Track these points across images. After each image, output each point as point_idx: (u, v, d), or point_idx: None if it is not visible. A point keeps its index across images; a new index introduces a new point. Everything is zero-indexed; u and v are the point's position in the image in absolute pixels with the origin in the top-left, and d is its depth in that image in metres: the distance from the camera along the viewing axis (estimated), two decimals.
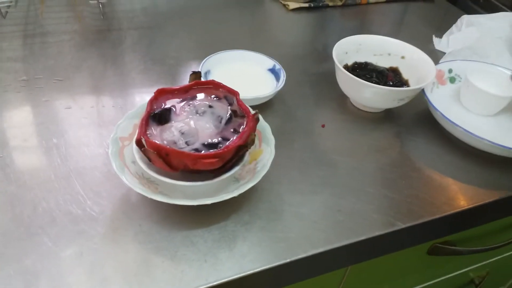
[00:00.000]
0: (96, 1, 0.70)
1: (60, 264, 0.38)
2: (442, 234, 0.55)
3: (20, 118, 0.53)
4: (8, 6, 0.68)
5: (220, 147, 0.41)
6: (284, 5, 0.86)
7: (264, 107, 0.58)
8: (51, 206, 0.42)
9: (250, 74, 0.62)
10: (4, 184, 0.44)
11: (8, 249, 0.39)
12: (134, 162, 0.44)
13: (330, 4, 0.87)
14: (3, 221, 0.41)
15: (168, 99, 0.45)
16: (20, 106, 0.54)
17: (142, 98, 0.58)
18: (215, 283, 0.38)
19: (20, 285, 0.36)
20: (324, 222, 0.45)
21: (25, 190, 0.44)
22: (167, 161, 0.40)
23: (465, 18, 0.76)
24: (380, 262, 0.58)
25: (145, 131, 0.41)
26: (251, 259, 0.41)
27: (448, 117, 0.54)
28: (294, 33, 0.79)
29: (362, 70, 0.61)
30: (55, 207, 0.42)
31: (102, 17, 0.73)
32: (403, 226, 0.46)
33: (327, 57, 0.72)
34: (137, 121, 0.47)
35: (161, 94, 0.45)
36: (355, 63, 0.62)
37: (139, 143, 0.42)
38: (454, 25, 0.78)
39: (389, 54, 0.63)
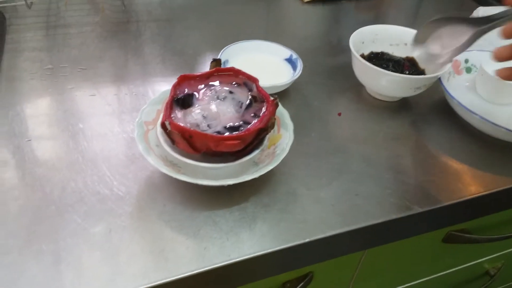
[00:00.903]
0: None
1: (90, 240, 0.40)
2: (458, 220, 0.56)
3: (47, 105, 0.55)
4: None
5: (242, 130, 0.43)
6: None
7: (281, 96, 0.59)
8: (80, 186, 0.44)
9: (267, 63, 0.64)
10: (33, 165, 0.46)
11: (40, 226, 0.41)
12: (158, 145, 0.45)
13: None
14: (34, 200, 0.43)
15: (191, 85, 0.47)
16: (46, 94, 0.56)
17: (162, 86, 0.60)
18: (237, 259, 0.40)
19: (51, 260, 0.38)
20: (341, 206, 0.46)
21: (54, 172, 0.46)
22: (190, 142, 0.42)
23: (481, 10, 0.77)
24: (396, 249, 0.58)
25: (170, 114, 0.43)
26: (271, 238, 0.42)
27: (464, 105, 0.55)
28: (309, 25, 0.80)
29: (378, 59, 0.62)
30: (83, 187, 0.44)
31: (124, 8, 0.75)
32: (420, 210, 0.47)
33: (342, 49, 0.72)
34: (160, 107, 0.49)
35: (184, 80, 0.46)
36: (371, 52, 0.63)
37: (163, 126, 0.43)
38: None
39: (406, 44, 0.63)
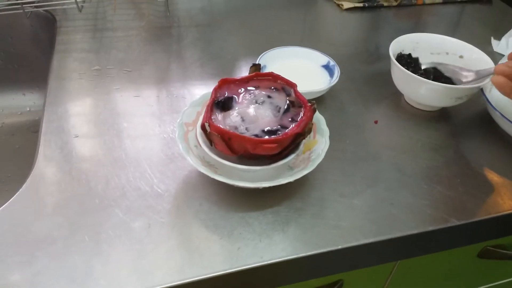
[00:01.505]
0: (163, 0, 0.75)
1: (130, 234, 0.41)
2: (495, 235, 0.54)
3: (94, 103, 0.57)
4: (84, 1, 0.74)
5: (279, 134, 0.44)
6: (338, 5, 0.87)
7: (317, 102, 0.59)
8: (122, 182, 0.46)
9: (304, 69, 0.64)
10: (80, 160, 0.49)
11: (84, 218, 0.43)
12: (196, 146, 0.47)
13: (385, 4, 0.87)
14: (79, 193, 0.45)
15: (231, 88, 0.48)
16: (93, 93, 0.59)
17: (201, 89, 0.61)
18: (269, 262, 0.40)
19: (93, 251, 0.40)
20: (376, 214, 0.46)
21: (99, 167, 0.48)
22: (229, 144, 0.43)
23: None
24: (429, 262, 0.57)
25: (210, 116, 0.44)
26: (303, 242, 0.42)
27: (507, 117, 0.53)
28: (347, 32, 0.80)
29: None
30: (125, 183, 0.46)
31: (168, 14, 0.78)
32: (458, 223, 0.46)
33: (380, 56, 0.72)
34: (200, 109, 0.50)
35: (224, 84, 0.48)
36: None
37: (203, 127, 0.45)
38: None
39: (447, 53, 0.62)
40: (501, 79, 0.47)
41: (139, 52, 0.68)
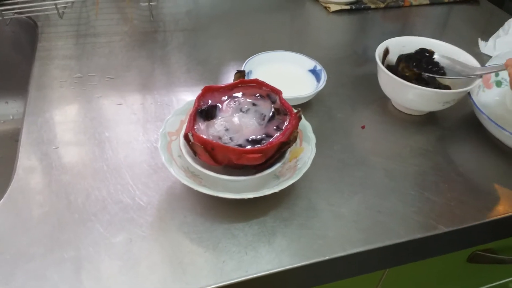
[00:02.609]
0: (146, 4, 0.73)
1: (111, 249, 0.40)
2: (484, 240, 0.54)
3: (75, 112, 0.56)
4: (65, 7, 0.72)
5: (263, 143, 0.43)
6: (325, 8, 0.86)
7: (304, 107, 0.59)
8: (103, 194, 0.45)
9: (291, 74, 0.63)
10: (59, 172, 0.48)
11: (63, 234, 0.41)
12: (180, 156, 0.46)
13: (372, 6, 0.86)
14: (58, 207, 0.44)
15: (214, 96, 0.47)
16: (74, 101, 0.58)
17: (187, 96, 0.60)
18: (255, 275, 0.39)
19: (73, 268, 0.39)
20: (363, 222, 0.45)
21: (79, 179, 0.47)
22: (212, 155, 0.42)
23: None
24: (419, 268, 0.57)
25: (193, 126, 0.43)
26: (290, 254, 0.41)
27: (495, 120, 0.53)
28: (334, 35, 0.80)
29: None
30: (106, 195, 0.45)
31: (152, 18, 0.76)
32: (446, 230, 0.45)
33: (368, 59, 0.71)
34: (184, 117, 0.49)
35: (208, 92, 0.47)
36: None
37: (186, 137, 0.44)
38: (501, 28, 0.76)
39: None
40: None
41: (122, 58, 0.66)
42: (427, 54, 0.60)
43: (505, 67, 0.49)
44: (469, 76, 0.56)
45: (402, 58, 0.60)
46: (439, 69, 0.58)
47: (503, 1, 0.95)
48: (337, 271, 0.45)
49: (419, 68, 0.58)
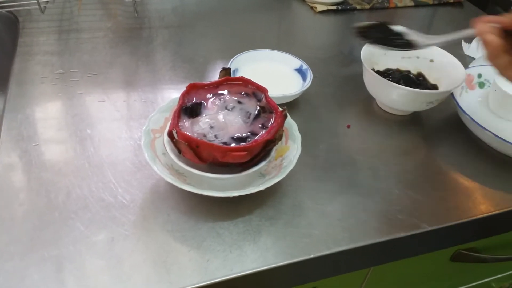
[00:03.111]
0: (131, 0, 0.72)
1: (92, 248, 0.39)
2: (467, 239, 0.54)
3: (56, 109, 0.55)
4: (47, 2, 0.70)
5: (249, 141, 0.42)
6: (312, 8, 0.86)
7: (290, 106, 0.59)
8: (85, 192, 0.44)
9: (277, 73, 0.63)
10: (40, 170, 0.46)
11: (43, 233, 0.40)
12: (164, 153, 0.45)
13: (358, 7, 0.87)
14: (39, 206, 0.43)
15: (199, 93, 0.47)
16: (56, 98, 0.56)
17: (172, 93, 0.60)
18: (240, 274, 0.39)
19: (53, 268, 0.38)
20: (348, 221, 0.45)
21: (60, 177, 0.46)
22: (197, 152, 0.41)
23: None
24: (403, 266, 0.57)
25: (177, 123, 0.43)
26: (275, 252, 0.41)
27: (477, 121, 0.54)
28: (321, 35, 0.80)
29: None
30: (88, 194, 0.44)
31: (136, 15, 0.75)
32: (429, 228, 0.46)
33: (354, 59, 0.72)
34: (168, 114, 0.49)
35: (193, 89, 0.46)
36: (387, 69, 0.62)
37: (170, 134, 0.43)
38: None
39: (418, 57, 0.62)
40: (493, 37, 0.40)
41: (106, 54, 0.65)
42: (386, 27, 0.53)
43: (476, 34, 0.42)
44: (431, 44, 0.50)
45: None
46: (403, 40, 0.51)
47: (486, 3, 0.97)
48: (322, 269, 0.45)
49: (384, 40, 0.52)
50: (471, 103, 0.62)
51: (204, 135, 0.43)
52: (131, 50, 0.67)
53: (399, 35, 0.51)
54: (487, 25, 0.41)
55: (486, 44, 0.40)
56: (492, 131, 0.52)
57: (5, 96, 0.56)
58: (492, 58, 0.41)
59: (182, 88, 0.46)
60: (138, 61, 0.65)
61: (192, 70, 0.65)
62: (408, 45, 0.50)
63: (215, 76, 0.64)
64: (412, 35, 0.51)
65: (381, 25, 0.53)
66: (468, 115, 0.54)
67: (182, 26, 0.76)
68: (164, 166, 0.43)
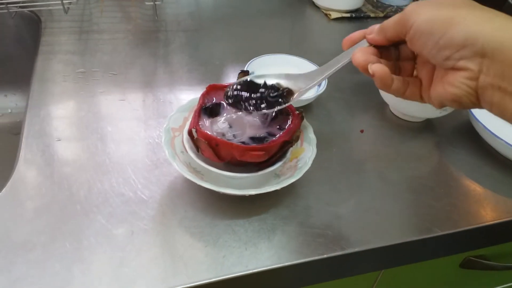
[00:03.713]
0: (151, 3, 0.74)
1: (113, 241, 0.40)
2: (477, 245, 0.55)
3: (77, 107, 0.56)
4: (70, 3, 0.72)
5: (266, 141, 0.43)
6: (326, 15, 0.88)
7: (304, 110, 0.60)
8: (105, 187, 0.45)
9: None
10: (62, 165, 0.48)
11: (65, 225, 0.42)
12: (182, 152, 0.46)
13: (372, 15, 0.88)
14: (61, 199, 0.44)
15: (218, 94, 0.48)
16: (77, 96, 0.58)
17: (189, 95, 0.61)
18: (254, 271, 0.40)
19: (74, 258, 0.39)
20: (361, 223, 0.46)
21: (81, 172, 0.47)
22: (216, 151, 0.42)
23: None
24: (412, 272, 0.58)
25: (198, 122, 0.44)
26: (289, 251, 0.42)
27: (489, 129, 0.54)
28: (334, 42, 0.81)
29: None
30: (108, 188, 0.45)
31: (156, 17, 0.77)
32: (440, 233, 0.46)
33: None
34: (187, 114, 0.50)
35: (212, 89, 0.48)
36: None
37: (190, 133, 0.44)
38: None
39: None
40: (378, 66, 0.35)
41: (125, 55, 0.67)
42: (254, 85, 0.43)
43: (356, 65, 0.37)
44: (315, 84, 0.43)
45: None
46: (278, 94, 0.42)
47: (503, 2, 0.97)
48: (334, 270, 0.45)
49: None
50: (484, 111, 0.62)
51: (223, 134, 0.44)
52: (150, 52, 0.69)
53: (272, 88, 0.42)
54: (363, 54, 0.36)
55: (372, 76, 0.35)
56: (505, 139, 0.53)
57: (28, 93, 0.58)
58: (385, 88, 0.36)
59: (199, 90, 0.47)
60: (156, 62, 0.67)
61: (208, 73, 0.66)
62: (283, 96, 0.41)
63: (230, 79, 0.65)
64: (290, 81, 0.42)
65: (246, 82, 0.43)
66: (481, 122, 0.55)
67: (199, 30, 0.77)
68: (182, 164, 0.44)
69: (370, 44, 0.37)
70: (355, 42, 0.39)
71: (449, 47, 0.30)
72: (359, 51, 0.36)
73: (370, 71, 0.35)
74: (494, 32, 0.29)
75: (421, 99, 0.37)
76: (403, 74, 0.38)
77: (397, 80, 0.35)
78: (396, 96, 0.37)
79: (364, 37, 0.38)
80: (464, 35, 0.29)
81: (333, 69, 0.41)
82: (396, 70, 0.38)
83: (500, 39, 0.28)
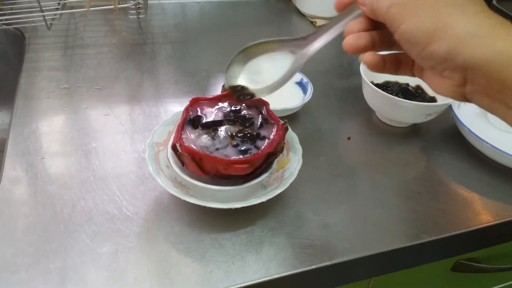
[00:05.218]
0: (135, 16, 0.74)
1: (97, 260, 0.40)
2: (467, 249, 0.55)
3: (62, 123, 0.56)
4: (53, 19, 0.72)
5: (251, 153, 0.43)
6: (312, 22, 0.88)
7: (291, 119, 0.60)
8: (89, 205, 0.45)
9: None
10: (45, 183, 0.47)
11: (49, 245, 0.41)
12: (168, 166, 0.46)
13: None
14: (44, 218, 0.43)
15: (202, 107, 0.48)
16: (61, 112, 0.58)
17: (175, 107, 0.61)
18: (242, 285, 0.39)
19: (58, 279, 0.38)
20: (349, 232, 0.46)
21: (65, 190, 0.46)
22: (200, 165, 0.42)
23: None
24: (404, 277, 0.58)
25: (181, 136, 0.43)
26: (277, 263, 0.42)
27: (475, 132, 0.54)
28: (321, 49, 0.81)
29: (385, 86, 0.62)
30: (93, 206, 0.45)
31: (140, 31, 0.77)
32: (429, 239, 0.46)
33: (353, 72, 0.73)
34: (171, 128, 0.50)
35: (196, 102, 0.47)
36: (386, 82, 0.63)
37: (174, 147, 0.44)
38: None
39: None
40: (370, 55, 0.36)
41: (110, 69, 0.67)
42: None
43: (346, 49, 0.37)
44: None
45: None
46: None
47: None
48: (324, 280, 0.45)
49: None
50: (469, 114, 0.63)
51: (207, 148, 0.44)
52: (135, 65, 0.69)
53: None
54: (354, 40, 0.36)
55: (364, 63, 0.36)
56: (490, 143, 0.53)
57: (12, 111, 0.57)
58: (378, 71, 0.37)
59: (185, 102, 0.47)
60: (142, 75, 0.67)
61: (194, 84, 0.66)
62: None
63: (217, 90, 0.65)
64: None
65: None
66: (466, 126, 0.55)
67: (185, 41, 0.77)
68: (167, 179, 0.44)
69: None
70: (347, 5, 0.37)
71: (431, 59, 0.30)
72: (351, 38, 0.36)
73: (362, 61, 0.36)
74: (474, 49, 0.28)
75: (413, 75, 0.37)
76: (396, 47, 0.36)
77: (389, 62, 0.36)
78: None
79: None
80: (445, 50, 0.29)
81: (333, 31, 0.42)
82: (390, 41, 0.35)
83: (481, 56, 0.28)
